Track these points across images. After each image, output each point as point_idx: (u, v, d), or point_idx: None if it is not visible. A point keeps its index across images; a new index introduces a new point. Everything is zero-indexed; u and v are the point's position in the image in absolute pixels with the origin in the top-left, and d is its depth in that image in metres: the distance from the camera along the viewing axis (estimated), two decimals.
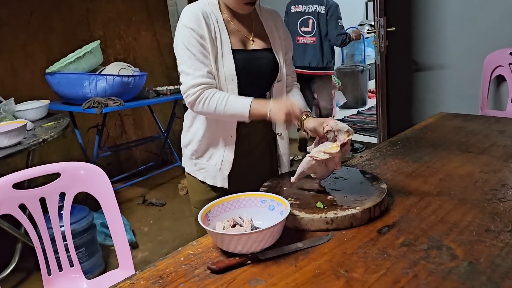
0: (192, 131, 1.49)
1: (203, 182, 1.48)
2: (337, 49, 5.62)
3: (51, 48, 3.37)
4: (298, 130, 1.48)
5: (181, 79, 1.35)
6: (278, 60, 1.46)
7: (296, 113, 1.26)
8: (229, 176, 1.44)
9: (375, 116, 3.26)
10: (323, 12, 3.37)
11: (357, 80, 5.25)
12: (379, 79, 2.98)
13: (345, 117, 4.96)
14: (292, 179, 1.25)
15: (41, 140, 2.14)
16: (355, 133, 4.22)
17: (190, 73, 1.30)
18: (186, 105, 1.36)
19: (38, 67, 3.28)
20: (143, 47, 3.97)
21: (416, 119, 3.18)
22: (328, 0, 3.40)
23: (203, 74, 1.30)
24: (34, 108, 2.47)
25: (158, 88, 3.28)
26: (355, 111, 5.14)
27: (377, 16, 2.81)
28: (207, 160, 1.47)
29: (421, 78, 3.22)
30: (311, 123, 1.30)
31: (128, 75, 2.80)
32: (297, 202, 1.17)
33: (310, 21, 3.40)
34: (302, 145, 3.86)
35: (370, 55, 5.83)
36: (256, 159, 1.53)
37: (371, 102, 5.41)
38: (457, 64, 3.02)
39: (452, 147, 1.62)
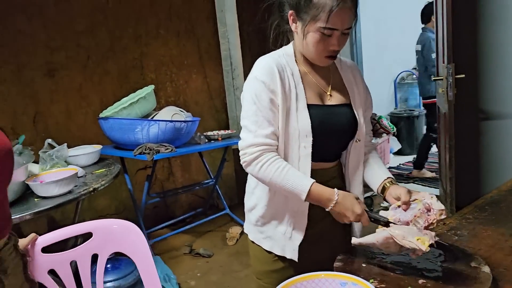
0: (257, 194, 1.35)
1: (269, 252, 1.32)
2: (389, 93, 5.45)
3: (105, 91, 3.40)
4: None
5: (242, 135, 1.23)
6: (357, 117, 1.31)
7: (359, 217, 1.16)
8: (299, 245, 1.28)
9: (434, 164, 3.01)
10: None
11: (412, 125, 5.01)
12: (446, 129, 2.75)
13: (399, 164, 4.70)
14: (355, 240, 1.13)
15: (91, 189, 2.07)
16: (413, 182, 3.95)
17: (253, 130, 1.18)
18: (241, 162, 1.23)
19: (92, 109, 3.31)
20: (194, 90, 3.95)
21: (487, 172, 2.91)
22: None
23: (267, 134, 1.19)
24: (86, 153, 2.44)
25: (209, 133, 3.21)
26: (410, 158, 4.87)
27: (444, 63, 2.63)
28: (275, 227, 1.32)
29: (491, 127, 2.97)
30: (396, 191, 1.16)
31: (181, 121, 2.73)
32: (382, 286, 1.00)
33: None
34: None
35: None
36: (328, 226, 1.36)
37: None
38: None
39: None
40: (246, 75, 3.72)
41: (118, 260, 2.28)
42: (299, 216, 1.28)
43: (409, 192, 1.19)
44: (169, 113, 2.78)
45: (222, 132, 3.24)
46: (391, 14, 4.95)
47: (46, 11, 3.10)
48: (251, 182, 1.37)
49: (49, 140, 2.32)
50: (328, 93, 1.30)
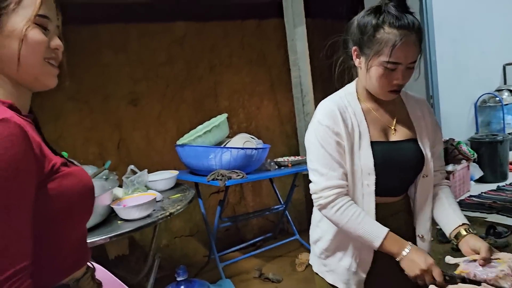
0: (322, 227, 1.36)
1: (333, 286, 1.32)
2: (469, 117, 5.15)
3: (181, 118, 3.60)
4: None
5: (313, 178, 1.25)
6: (424, 153, 1.28)
7: (433, 276, 1.13)
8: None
9: None
10: None
11: (496, 151, 4.67)
12: None
13: (481, 192, 4.38)
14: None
15: (168, 214, 2.18)
16: (496, 213, 3.66)
17: (325, 173, 1.20)
18: (315, 205, 1.26)
19: (169, 136, 3.51)
20: (265, 116, 4.05)
21: None
22: None
23: (338, 175, 1.21)
24: (164, 179, 2.58)
25: (279, 159, 3.25)
26: (494, 186, 4.53)
27: None
28: (338, 261, 1.31)
29: None
30: (476, 243, 1.12)
31: (252, 148, 2.81)
32: None
33: None
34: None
35: (511, 123, 5.21)
36: (395, 263, 1.33)
37: None
38: None
39: None
40: (316, 101, 3.75)
41: (192, 282, 2.37)
42: (365, 250, 1.26)
43: (490, 249, 1.13)
44: (241, 140, 2.87)
45: (292, 158, 3.28)
46: (470, 33, 4.70)
47: (130, 46, 3.38)
48: (316, 215, 1.38)
49: (132, 166, 2.50)
50: (393, 127, 1.29)
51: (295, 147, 4.06)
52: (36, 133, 0.89)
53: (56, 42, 0.90)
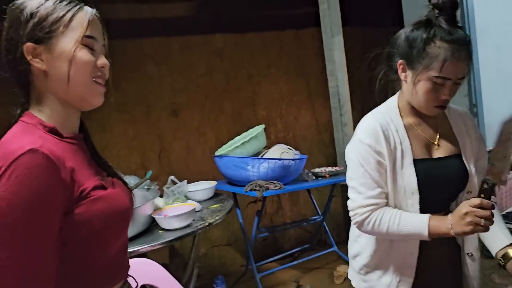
0: (361, 242, 1.35)
1: None
2: None
3: (220, 128, 3.67)
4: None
5: (351, 195, 1.25)
6: (468, 168, 1.25)
7: (480, 216, 1.09)
8: None
9: None
10: None
11: None
12: None
13: None
14: None
15: (207, 224, 2.23)
16: None
17: (362, 192, 1.20)
18: (352, 222, 1.26)
19: (208, 146, 3.58)
20: (302, 126, 4.05)
21: None
22: None
23: (376, 194, 1.20)
24: (203, 189, 2.64)
25: (316, 170, 3.25)
26: None
27: None
28: (378, 278, 1.30)
29: None
30: None
31: (289, 159, 2.83)
32: None
33: None
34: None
35: None
36: (437, 277, 1.30)
37: None
38: None
39: None
40: (354, 111, 3.73)
41: None
42: (406, 267, 1.25)
43: None
44: (278, 151, 2.89)
45: (329, 169, 3.26)
46: None
47: (171, 58, 3.49)
48: (354, 229, 1.37)
49: (172, 177, 2.57)
50: (436, 143, 1.27)
51: (333, 156, 4.03)
52: (81, 153, 0.93)
53: (103, 60, 0.94)
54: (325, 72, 3.90)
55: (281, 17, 3.95)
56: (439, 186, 1.23)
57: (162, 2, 3.45)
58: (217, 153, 2.97)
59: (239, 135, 3.22)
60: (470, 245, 1.30)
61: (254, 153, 2.93)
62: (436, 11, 1.16)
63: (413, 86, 1.20)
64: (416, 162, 1.22)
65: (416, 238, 1.20)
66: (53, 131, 0.89)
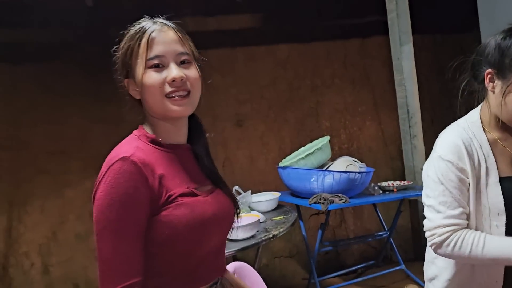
0: (438, 264, 1.26)
1: None
2: None
3: (283, 138, 3.65)
4: None
5: (428, 214, 1.17)
6: None
7: None
8: None
9: None
10: None
11: None
12: None
13: None
14: None
15: (271, 236, 2.21)
16: None
17: (442, 211, 1.13)
18: (428, 244, 1.18)
19: (271, 156, 3.57)
20: (367, 137, 3.93)
21: None
22: None
23: (457, 214, 1.12)
24: (266, 200, 2.63)
25: (383, 184, 3.12)
26: None
27: None
28: None
29: None
30: None
31: (355, 172, 2.74)
32: None
33: None
34: None
35: None
36: None
37: None
38: None
39: None
40: (424, 122, 3.56)
41: None
42: None
43: None
44: (344, 164, 2.82)
45: (397, 183, 3.12)
46: None
47: (236, 69, 3.54)
48: (431, 250, 1.29)
49: (236, 187, 2.59)
50: None
51: (400, 170, 3.87)
52: (177, 161, 1.01)
53: (172, 75, 0.98)
54: (392, 82, 3.78)
55: (346, 26, 3.88)
56: None
57: (227, 13, 3.51)
58: (281, 165, 2.95)
59: (302, 145, 3.18)
60: None
61: (319, 165, 2.88)
62: None
63: (502, 97, 1.12)
64: (502, 180, 1.13)
65: (504, 264, 1.10)
66: (153, 141, 1.00)
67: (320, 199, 2.64)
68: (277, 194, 2.72)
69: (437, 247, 1.16)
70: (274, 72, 3.66)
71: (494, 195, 1.12)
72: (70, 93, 3.14)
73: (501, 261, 1.08)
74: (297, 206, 3.04)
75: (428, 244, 1.19)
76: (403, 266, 3.19)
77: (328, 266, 3.52)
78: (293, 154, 2.98)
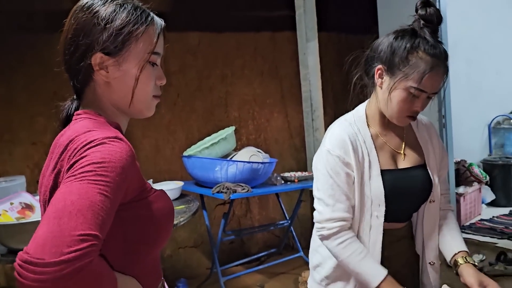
0: (322, 253, 1.33)
1: None
2: (483, 138, 5.09)
3: (191, 127, 3.60)
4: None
5: (318, 207, 1.22)
6: (432, 178, 1.26)
7: None
8: None
9: None
10: None
11: (509, 174, 4.60)
12: None
13: (493, 217, 4.30)
14: None
15: None
16: (508, 239, 3.59)
17: (331, 204, 1.18)
18: (316, 234, 1.23)
19: (178, 144, 3.51)
20: (274, 129, 4.03)
21: None
22: None
23: (344, 208, 1.18)
24: (169, 189, 2.57)
25: (285, 175, 3.23)
26: (506, 210, 4.45)
27: None
28: None
29: None
30: (470, 277, 1.10)
31: (258, 162, 2.79)
32: None
33: None
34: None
35: None
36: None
37: None
38: None
39: None
40: (326, 116, 3.73)
41: None
42: None
43: (484, 283, 1.12)
44: (247, 154, 2.85)
45: (299, 173, 3.24)
46: (486, 54, 4.64)
47: None
48: (316, 239, 1.35)
49: None
50: (402, 152, 1.27)
51: (303, 161, 4.03)
52: None
53: (164, 78, 0.95)
54: (299, 76, 3.90)
55: (257, 18, 3.92)
56: (404, 197, 1.23)
57: None
58: (185, 154, 2.91)
59: (210, 135, 3.17)
60: (431, 255, 1.30)
61: (223, 155, 2.89)
62: (422, 22, 1.16)
63: (388, 93, 1.19)
64: (383, 173, 1.21)
65: (361, 282, 1.19)
66: (118, 127, 0.91)
67: (223, 189, 2.65)
68: (180, 183, 2.67)
69: (324, 239, 1.22)
70: (184, 59, 3.58)
71: (376, 187, 1.20)
72: None
73: (361, 280, 1.18)
74: (201, 196, 3.02)
75: (316, 234, 1.25)
76: (301, 253, 3.33)
77: (233, 255, 3.56)
78: (198, 143, 2.95)
